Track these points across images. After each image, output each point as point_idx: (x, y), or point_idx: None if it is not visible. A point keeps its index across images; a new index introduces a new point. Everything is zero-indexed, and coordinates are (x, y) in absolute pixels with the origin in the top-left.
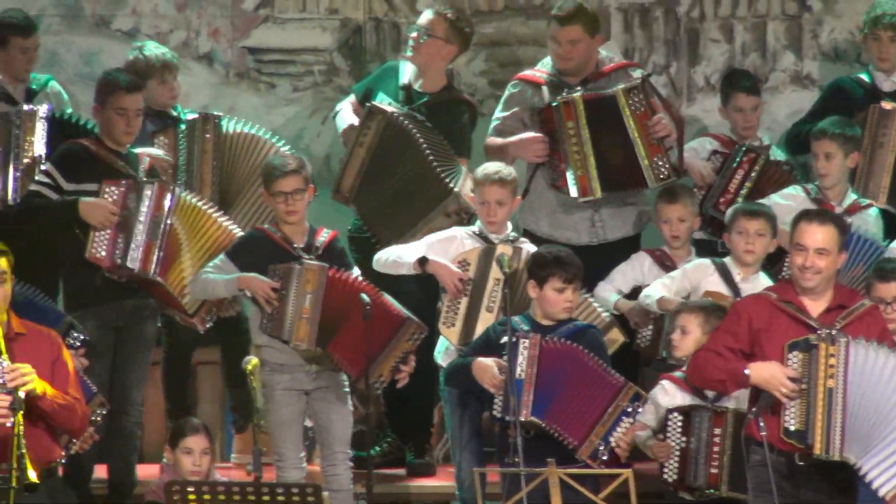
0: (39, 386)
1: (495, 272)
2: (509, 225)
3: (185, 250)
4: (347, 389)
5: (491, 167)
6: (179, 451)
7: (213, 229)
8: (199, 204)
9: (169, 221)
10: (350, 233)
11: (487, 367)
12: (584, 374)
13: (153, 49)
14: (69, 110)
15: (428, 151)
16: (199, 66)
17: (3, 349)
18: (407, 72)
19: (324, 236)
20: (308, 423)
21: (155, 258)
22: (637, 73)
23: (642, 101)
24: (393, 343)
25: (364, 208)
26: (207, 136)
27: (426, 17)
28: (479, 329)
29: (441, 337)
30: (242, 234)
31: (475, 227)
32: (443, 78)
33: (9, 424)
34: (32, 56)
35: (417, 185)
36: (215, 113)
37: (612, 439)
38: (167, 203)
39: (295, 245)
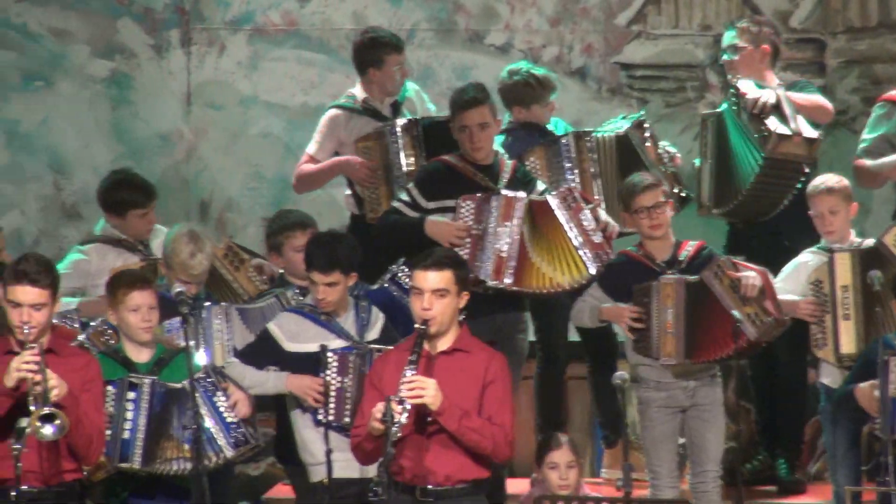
0: (436, 403)
1: (841, 279)
2: (853, 231)
3: (541, 256)
4: (722, 407)
5: (818, 179)
6: (545, 466)
7: (561, 229)
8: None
9: (519, 230)
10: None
11: (867, 393)
12: None
13: (535, 72)
14: (432, 108)
15: (760, 137)
16: (572, 81)
17: (416, 361)
18: None
19: (689, 249)
20: (680, 440)
21: (506, 268)
22: None
23: None
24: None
25: (731, 212)
26: (583, 154)
27: (728, 38)
28: (844, 339)
29: None
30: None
31: (822, 242)
32: (774, 79)
33: (398, 435)
34: (405, 71)
35: (772, 173)
36: (587, 130)
37: None
38: (516, 213)
39: (657, 261)
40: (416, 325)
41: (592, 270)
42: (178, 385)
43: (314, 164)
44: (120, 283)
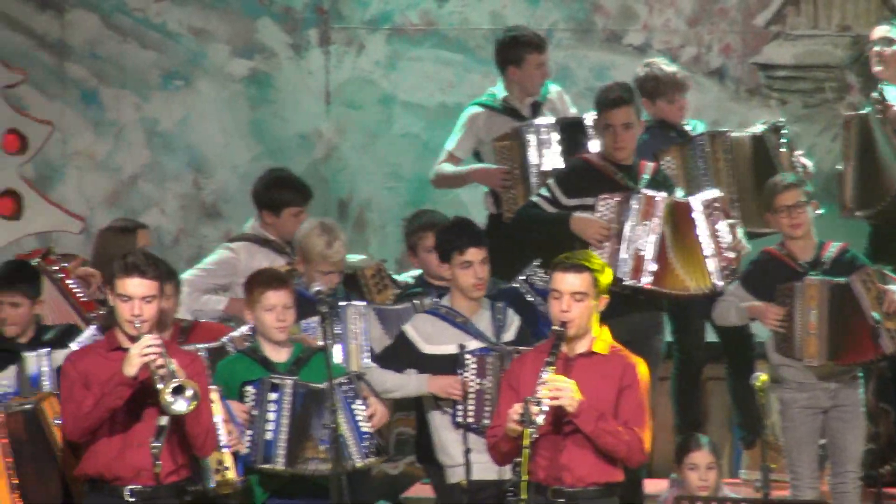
0: (573, 404)
1: None
2: None
3: (677, 258)
4: (864, 408)
5: None
6: (685, 467)
7: (697, 235)
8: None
9: (660, 230)
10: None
11: None
12: None
13: (664, 67)
14: (573, 110)
15: None
16: (710, 81)
17: (553, 362)
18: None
19: (832, 250)
20: (820, 441)
21: (645, 268)
22: None
23: None
24: None
25: (875, 214)
26: (717, 153)
27: (881, 31)
28: None
29: None
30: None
31: None
32: None
33: (534, 436)
34: (545, 71)
35: None
36: (722, 130)
37: None
38: (656, 212)
39: (800, 261)
40: (554, 327)
41: (717, 283)
42: (320, 386)
43: (453, 163)
44: (256, 283)
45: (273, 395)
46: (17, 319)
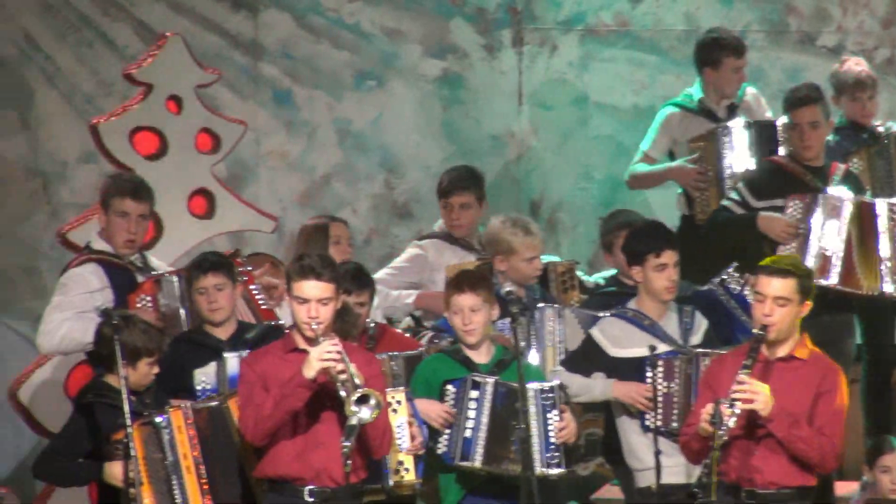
0: (766, 409)
1: None
2: None
3: (859, 257)
4: None
5: None
6: (877, 470)
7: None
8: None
9: (846, 230)
10: None
11: None
12: None
13: (851, 66)
14: (769, 113)
15: None
16: None
17: (750, 365)
18: None
19: None
20: None
21: (831, 267)
22: None
23: None
24: None
25: None
26: None
27: None
28: None
29: None
30: None
31: None
32: None
33: (724, 438)
34: (742, 76)
35: None
36: None
37: None
38: (842, 213)
39: None
40: (755, 330)
41: (885, 288)
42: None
43: (648, 163)
44: (449, 285)
45: (474, 393)
46: (224, 302)
